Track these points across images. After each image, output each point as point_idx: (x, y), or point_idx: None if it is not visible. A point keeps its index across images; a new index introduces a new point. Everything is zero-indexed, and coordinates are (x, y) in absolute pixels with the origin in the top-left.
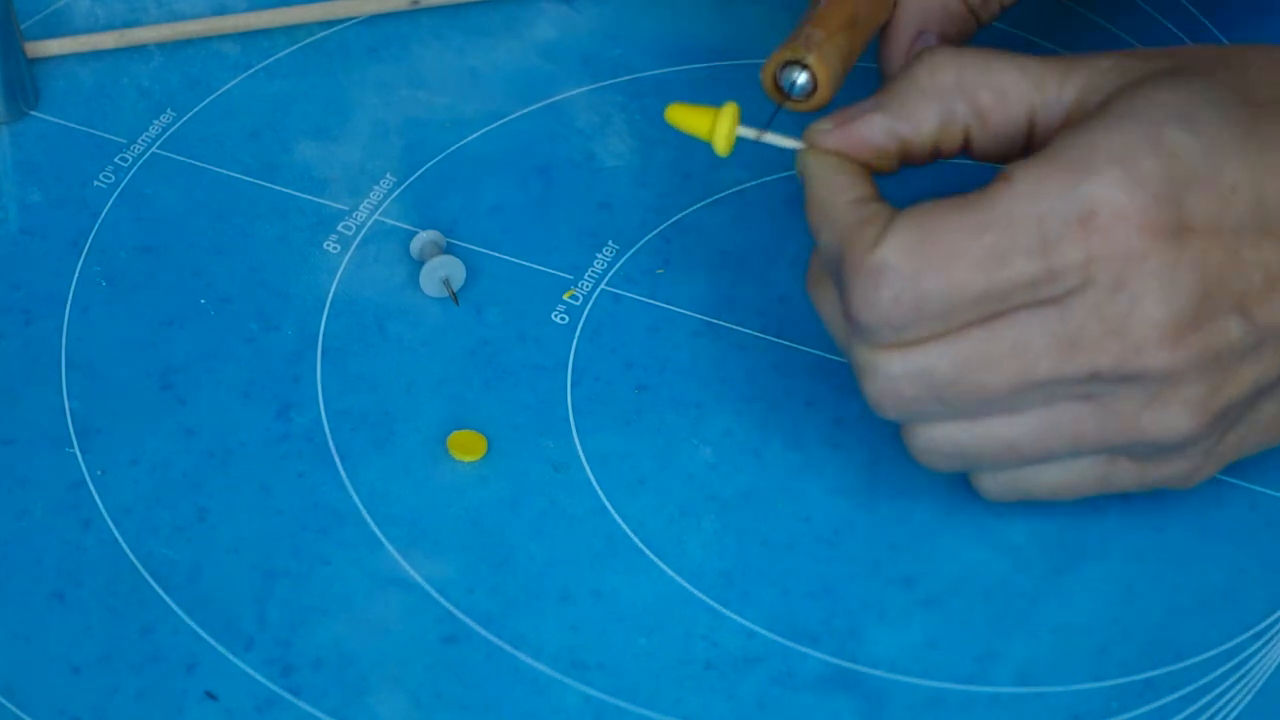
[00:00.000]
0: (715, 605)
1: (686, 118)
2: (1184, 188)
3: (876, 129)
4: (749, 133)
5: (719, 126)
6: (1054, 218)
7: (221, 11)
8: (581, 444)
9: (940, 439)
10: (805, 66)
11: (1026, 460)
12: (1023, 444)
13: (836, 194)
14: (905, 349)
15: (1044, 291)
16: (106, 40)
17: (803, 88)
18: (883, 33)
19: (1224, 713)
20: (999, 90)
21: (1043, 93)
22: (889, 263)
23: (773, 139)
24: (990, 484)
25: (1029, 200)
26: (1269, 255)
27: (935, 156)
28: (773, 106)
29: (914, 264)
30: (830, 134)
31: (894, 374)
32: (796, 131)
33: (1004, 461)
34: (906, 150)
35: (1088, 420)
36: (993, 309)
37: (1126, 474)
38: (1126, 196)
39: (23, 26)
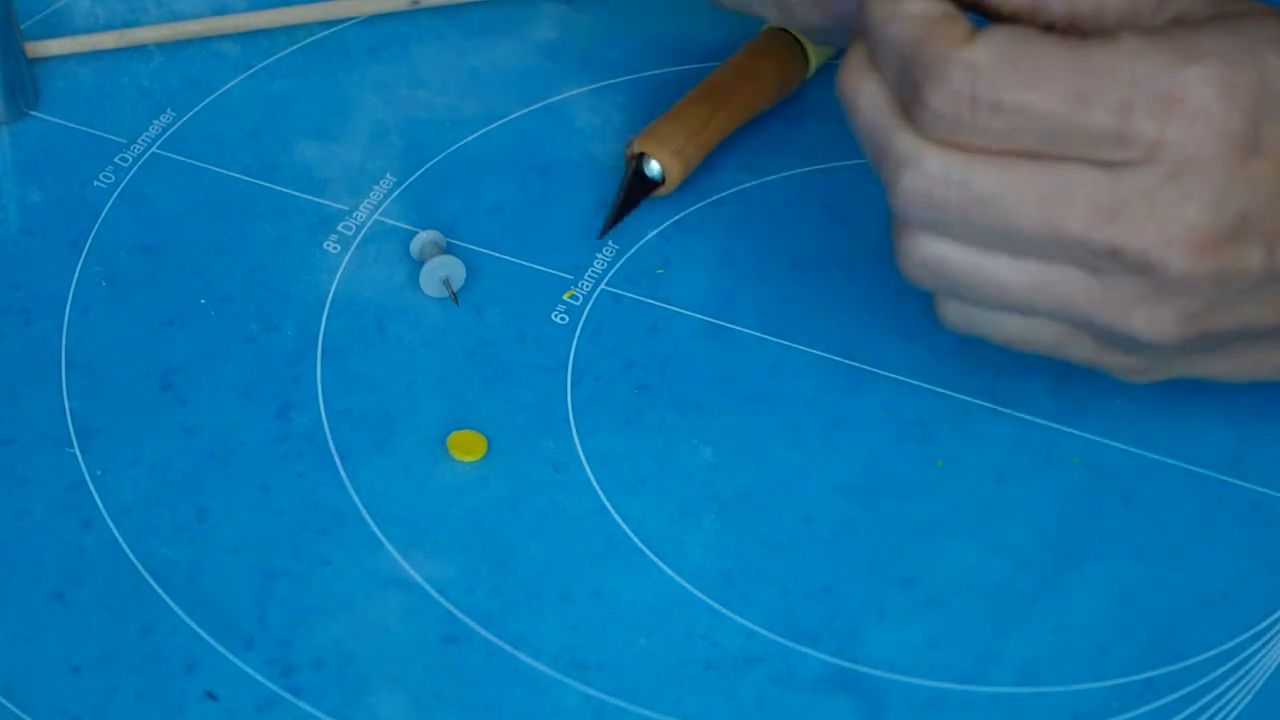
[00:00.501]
0: (715, 605)
1: None
2: (1268, 111)
3: None
4: None
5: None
6: (1146, 85)
7: (221, 11)
8: (581, 444)
9: (936, 255)
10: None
11: (1008, 306)
12: (1013, 291)
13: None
14: (952, 150)
15: (1108, 152)
16: (106, 40)
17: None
18: None
19: (1224, 713)
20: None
21: (1135, 11)
22: (978, 62)
23: None
24: (953, 313)
25: (1129, 61)
26: None
27: (1000, 12)
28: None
29: (1003, 72)
30: None
31: (934, 172)
32: None
33: (986, 299)
34: None
35: (1084, 293)
36: (1056, 147)
37: (1082, 349)
38: (1216, 97)
39: (23, 26)
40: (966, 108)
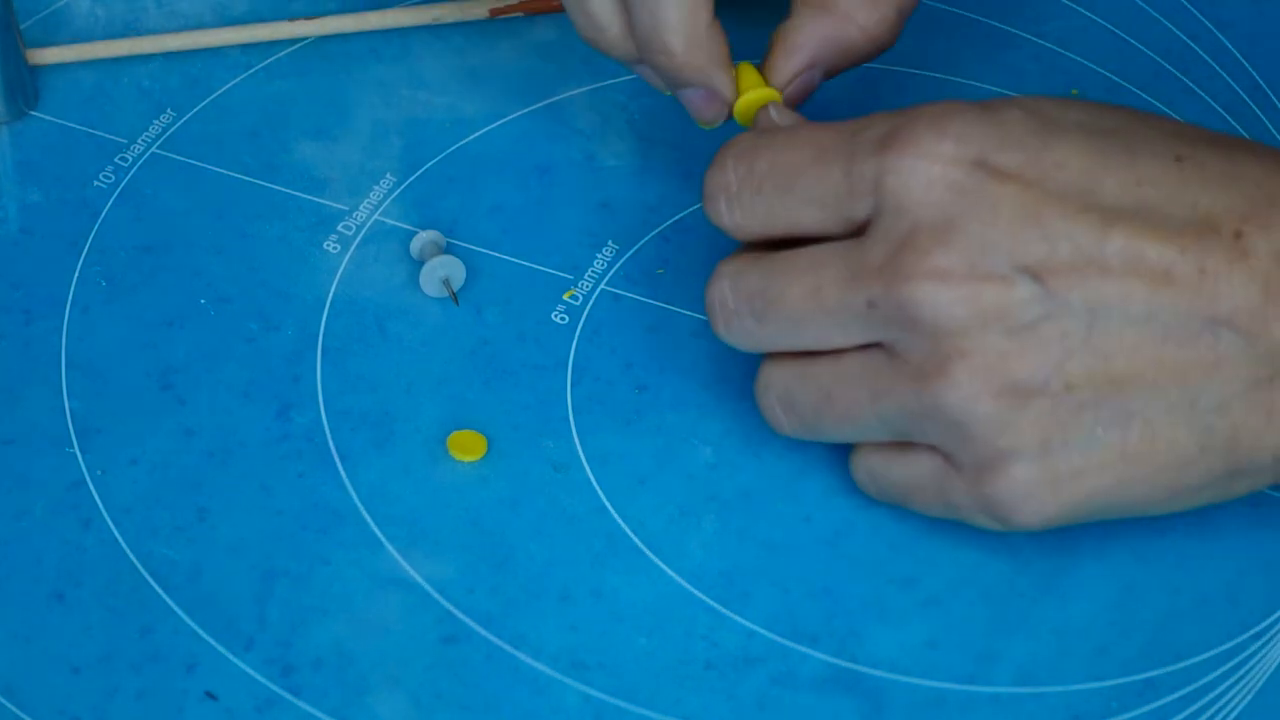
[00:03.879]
0: (715, 605)
1: (748, 76)
2: (999, 142)
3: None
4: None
5: (752, 96)
6: (866, 133)
7: (221, 11)
8: (581, 444)
9: (772, 379)
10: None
11: (843, 417)
12: (835, 392)
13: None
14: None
15: (846, 201)
16: (106, 49)
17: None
18: (770, 54)
19: (1224, 713)
20: None
21: None
22: (738, 140)
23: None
24: (859, 472)
25: (855, 124)
26: (1084, 227)
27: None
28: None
29: (755, 140)
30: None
31: (722, 273)
32: None
33: (824, 413)
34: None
35: (885, 370)
36: (804, 204)
37: (957, 486)
38: (927, 128)
39: (22, 27)
40: (731, 178)
